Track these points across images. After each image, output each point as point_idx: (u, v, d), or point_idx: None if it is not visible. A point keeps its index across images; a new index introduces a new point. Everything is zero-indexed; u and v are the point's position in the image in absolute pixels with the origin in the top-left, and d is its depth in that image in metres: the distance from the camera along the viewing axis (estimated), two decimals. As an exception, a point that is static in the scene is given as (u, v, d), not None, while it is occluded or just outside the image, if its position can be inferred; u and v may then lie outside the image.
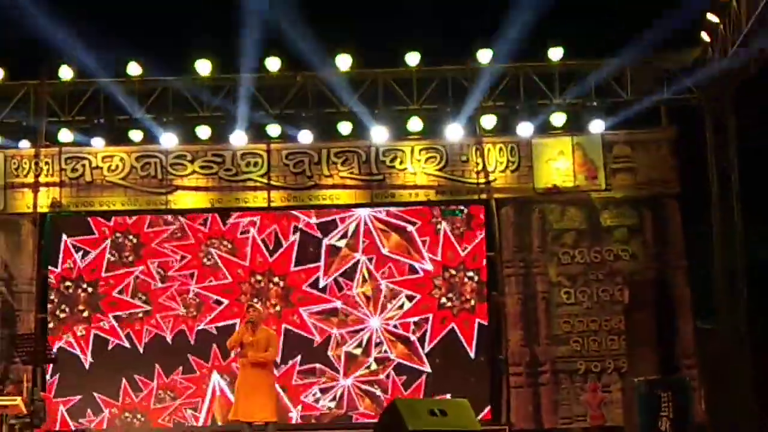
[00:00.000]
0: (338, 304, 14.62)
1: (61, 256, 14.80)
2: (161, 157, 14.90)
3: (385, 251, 14.68)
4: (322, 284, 14.67)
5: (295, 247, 14.74)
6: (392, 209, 14.77)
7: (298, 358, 14.48)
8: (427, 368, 14.38)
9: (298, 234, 14.76)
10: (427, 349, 14.45)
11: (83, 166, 14.89)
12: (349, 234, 14.75)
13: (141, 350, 14.61)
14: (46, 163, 14.85)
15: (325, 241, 14.73)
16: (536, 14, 14.21)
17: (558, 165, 14.62)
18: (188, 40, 14.63)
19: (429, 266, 14.59)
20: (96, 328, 14.61)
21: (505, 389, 14.33)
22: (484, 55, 14.56)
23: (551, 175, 14.61)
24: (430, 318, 14.52)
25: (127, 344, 14.61)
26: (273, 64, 14.74)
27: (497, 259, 14.59)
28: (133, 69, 14.76)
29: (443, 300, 14.56)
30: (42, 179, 14.76)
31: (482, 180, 14.66)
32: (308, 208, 14.81)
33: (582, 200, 14.58)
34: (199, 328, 14.60)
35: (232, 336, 12.22)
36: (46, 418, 13.44)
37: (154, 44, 14.46)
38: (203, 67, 14.76)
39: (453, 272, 14.57)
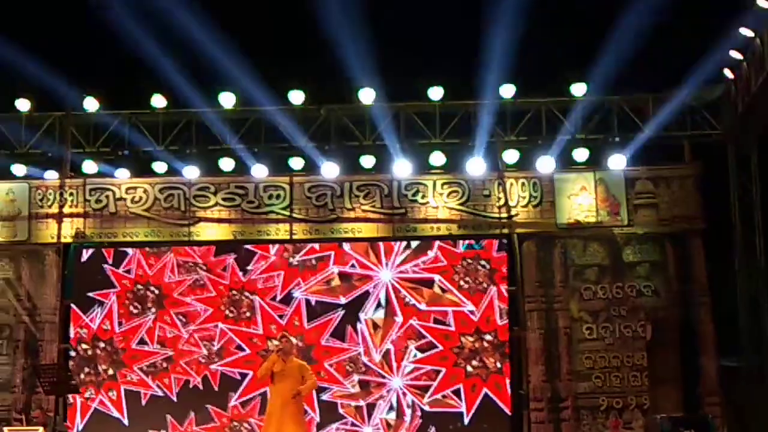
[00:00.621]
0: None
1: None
2: (184, 188, 14.97)
3: (423, 306, 14.69)
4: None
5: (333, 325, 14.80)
6: (409, 266, 14.79)
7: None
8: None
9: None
10: (467, 420, 14.45)
11: (107, 197, 14.98)
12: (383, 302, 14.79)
13: (174, 398, 14.67)
14: (71, 194, 14.95)
15: (363, 316, 14.74)
16: (560, 50, 14.35)
17: (580, 200, 14.61)
18: (214, 73, 14.71)
19: (471, 306, 14.61)
20: (125, 383, 14.66)
21: (526, 424, 14.23)
22: (507, 90, 14.63)
23: (573, 211, 14.61)
24: (461, 388, 14.50)
25: (159, 393, 14.65)
26: (297, 97, 14.81)
27: (519, 294, 14.54)
28: (158, 101, 14.87)
29: (469, 368, 14.54)
30: (66, 210, 14.83)
31: (504, 214, 14.64)
32: (330, 241, 14.83)
33: (604, 236, 14.56)
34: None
35: (263, 365, 12.24)
36: (67, 448, 13.46)
37: (182, 77, 14.55)
38: (227, 100, 14.85)
39: (470, 339, 14.53)
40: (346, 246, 14.86)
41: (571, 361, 14.34)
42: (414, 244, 14.82)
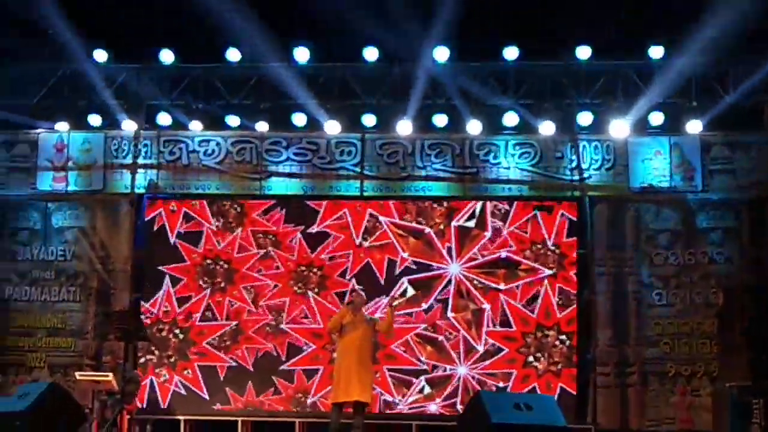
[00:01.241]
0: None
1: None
2: (256, 142, 15.03)
3: (502, 286, 14.60)
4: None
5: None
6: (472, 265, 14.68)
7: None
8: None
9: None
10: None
11: (180, 149, 15.10)
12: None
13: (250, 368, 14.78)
14: (145, 145, 15.08)
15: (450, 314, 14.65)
16: (639, 12, 14.11)
17: (654, 164, 14.42)
18: (282, 28, 14.69)
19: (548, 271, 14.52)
20: (198, 360, 14.82)
21: (592, 389, 14.16)
22: (584, 52, 14.46)
23: (647, 175, 14.42)
24: (513, 374, 14.42)
25: (234, 364, 14.77)
26: (371, 54, 14.77)
27: (589, 258, 14.43)
28: (233, 55, 14.91)
29: (530, 358, 14.43)
30: (140, 161, 15.00)
31: (576, 177, 14.50)
32: (400, 199, 14.80)
33: (678, 201, 14.36)
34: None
35: (333, 317, 12.33)
36: (136, 394, 13.62)
37: (253, 31, 14.55)
38: (301, 55, 14.84)
39: (546, 332, 14.41)
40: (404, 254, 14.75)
41: (640, 326, 14.20)
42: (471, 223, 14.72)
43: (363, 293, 13.24)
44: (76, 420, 10.86)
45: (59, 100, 15.22)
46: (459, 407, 14.08)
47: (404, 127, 14.74)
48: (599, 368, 14.17)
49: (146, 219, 15.09)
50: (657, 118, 14.52)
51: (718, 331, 13.68)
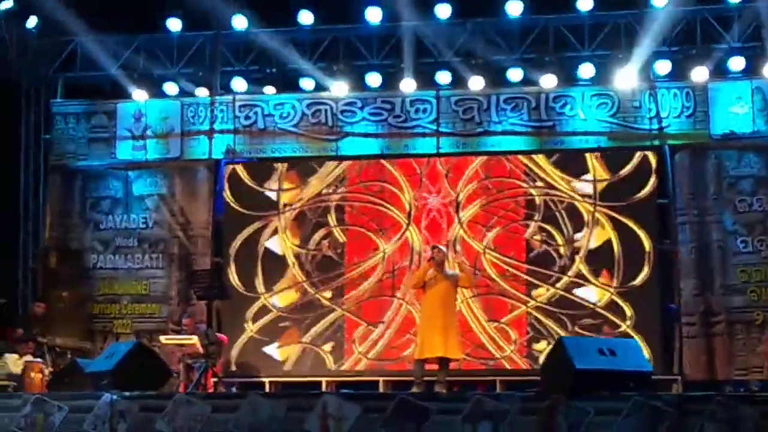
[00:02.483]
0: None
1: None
2: (331, 104, 15.05)
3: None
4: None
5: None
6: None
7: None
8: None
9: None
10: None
11: (255, 113, 15.18)
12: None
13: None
14: (221, 110, 15.18)
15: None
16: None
17: (736, 110, 14.11)
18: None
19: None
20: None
21: (677, 339, 13.98)
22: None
23: (728, 121, 14.12)
24: None
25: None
26: (443, 11, 14.68)
27: (670, 207, 14.22)
28: (305, 18, 14.92)
29: None
30: (217, 127, 15.11)
31: (655, 126, 14.27)
32: (477, 154, 14.73)
33: (761, 146, 14.02)
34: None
35: (416, 273, 12.31)
36: (220, 357, 13.76)
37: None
38: (373, 15, 14.79)
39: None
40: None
41: (725, 274, 13.94)
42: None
43: (444, 249, 13.17)
44: (162, 377, 11.00)
45: (136, 69, 15.35)
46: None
47: (476, 83, 14.63)
48: (684, 318, 13.96)
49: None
50: (737, 63, 14.21)
51: (807, 276, 13.38)
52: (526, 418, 9.02)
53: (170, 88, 15.39)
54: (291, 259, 14.95)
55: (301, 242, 14.99)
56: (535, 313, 14.42)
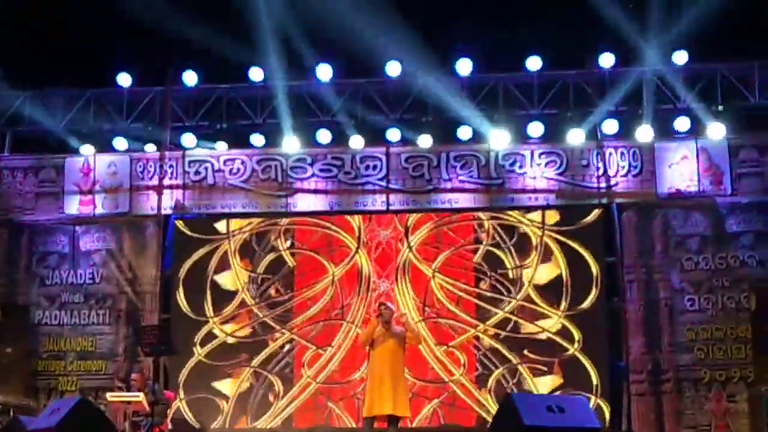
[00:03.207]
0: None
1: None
2: (281, 160, 15.05)
3: None
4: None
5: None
6: None
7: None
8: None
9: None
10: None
11: (206, 168, 15.15)
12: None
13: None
14: (170, 166, 15.14)
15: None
16: (656, 17, 14.05)
17: (682, 169, 14.30)
18: (311, 45, 14.73)
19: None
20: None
21: (626, 396, 14.01)
22: (606, 60, 14.45)
23: (674, 180, 14.30)
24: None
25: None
26: (393, 69, 14.79)
27: (618, 265, 14.32)
28: (256, 75, 14.96)
29: None
30: (166, 182, 15.06)
31: (603, 184, 14.41)
32: (427, 211, 14.77)
33: (707, 205, 14.22)
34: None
35: (364, 331, 12.28)
36: (167, 415, 13.56)
37: (279, 50, 14.61)
38: (324, 72, 14.87)
39: None
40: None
41: (673, 332, 14.03)
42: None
43: (392, 306, 13.15)
44: (107, 435, 10.81)
45: (84, 124, 15.29)
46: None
47: (426, 141, 14.74)
48: (633, 376, 14.01)
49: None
50: (683, 123, 14.41)
51: (753, 335, 13.48)
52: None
53: (119, 143, 15.31)
54: (239, 284, 14.88)
55: (250, 266, 14.93)
56: (484, 337, 14.43)
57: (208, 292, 14.91)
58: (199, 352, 14.77)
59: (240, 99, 15.20)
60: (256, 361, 14.69)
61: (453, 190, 14.76)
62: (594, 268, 14.34)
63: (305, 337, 14.71)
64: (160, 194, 15.00)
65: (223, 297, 14.91)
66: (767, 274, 13.89)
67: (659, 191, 14.34)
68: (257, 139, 15.22)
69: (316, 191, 14.98)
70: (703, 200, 14.23)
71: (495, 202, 14.73)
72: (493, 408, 13.84)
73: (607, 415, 13.89)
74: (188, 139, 15.22)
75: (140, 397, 12.98)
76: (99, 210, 15.17)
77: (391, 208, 14.83)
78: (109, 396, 13.43)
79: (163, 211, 15.03)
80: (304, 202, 15.01)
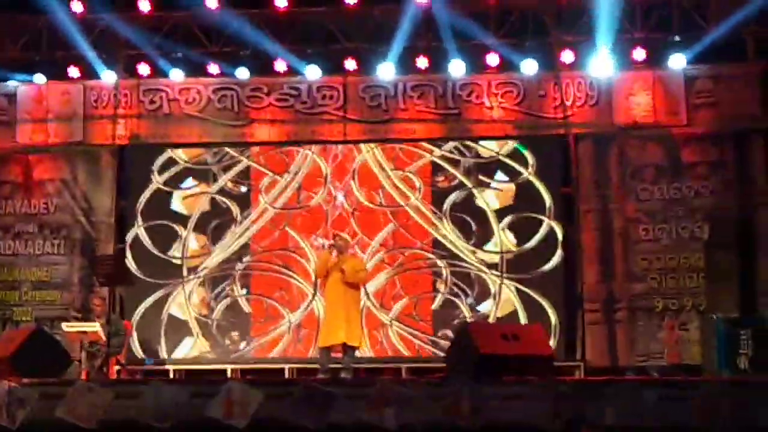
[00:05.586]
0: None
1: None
2: (237, 89, 14.91)
3: None
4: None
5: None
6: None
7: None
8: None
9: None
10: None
11: (161, 98, 14.97)
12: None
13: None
14: (125, 95, 14.95)
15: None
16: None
17: (638, 100, 14.33)
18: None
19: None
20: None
21: (580, 326, 14.16)
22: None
23: (631, 111, 14.33)
24: None
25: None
26: (350, -4, 14.63)
27: (574, 195, 14.38)
28: (211, 2, 14.74)
29: None
30: (120, 111, 14.87)
31: (560, 115, 14.42)
32: (384, 142, 14.72)
33: (662, 136, 14.28)
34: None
35: (318, 261, 12.28)
36: (124, 344, 13.54)
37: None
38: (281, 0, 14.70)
39: None
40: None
41: (627, 262, 14.17)
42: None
43: (347, 237, 13.18)
44: (62, 363, 10.80)
45: (37, 52, 15.03)
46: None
47: (384, 70, 14.62)
48: (587, 305, 14.16)
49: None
50: (640, 54, 14.41)
51: (705, 265, 13.65)
52: (431, 403, 9.04)
53: (73, 71, 15.06)
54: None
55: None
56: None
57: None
58: (158, 180, 14.90)
59: (196, 27, 14.95)
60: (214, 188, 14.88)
61: (410, 120, 14.71)
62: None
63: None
64: (115, 124, 14.83)
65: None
66: (720, 203, 14.02)
67: (616, 122, 14.37)
68: (213, 68, 15.02)
69: (272, 121, 14.86)
70: (658, 131, 14.29)
71: (452, 132, 14.69)
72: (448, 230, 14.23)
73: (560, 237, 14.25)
74: (143, 68, 14.99)
75: (96, 327, 12.95)
76: (52, 139, 14.97)
77: (348, 138, 14.76)
78: (65, 326, 13.38)
79: (117, 141, 14.87)
80: (261, 132, 14.90)
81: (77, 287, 14.71)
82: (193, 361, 14.57)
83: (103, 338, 12.72)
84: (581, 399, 8.89)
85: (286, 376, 13.98)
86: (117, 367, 13.01)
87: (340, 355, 12.21)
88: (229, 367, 14.29)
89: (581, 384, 9.60)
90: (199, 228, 14.91)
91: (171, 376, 14.18)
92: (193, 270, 14.82)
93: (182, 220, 14.94)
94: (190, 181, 15.02)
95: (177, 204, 15.00)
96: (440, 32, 14.56)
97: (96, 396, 9.28)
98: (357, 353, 12.53)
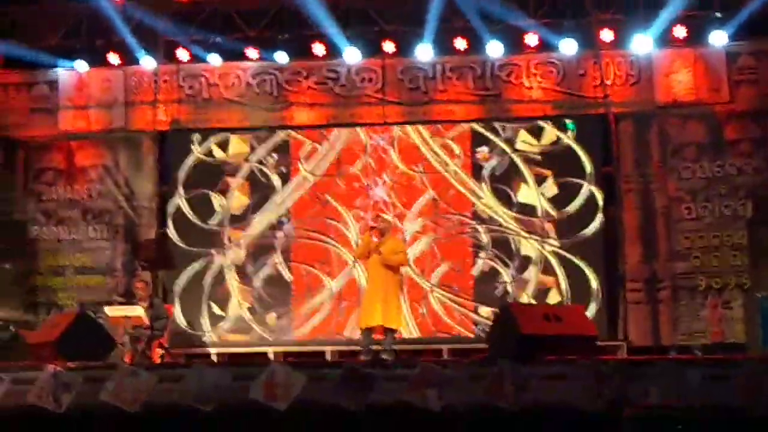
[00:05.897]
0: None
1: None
2: (276, 73, 14.93)
3: None
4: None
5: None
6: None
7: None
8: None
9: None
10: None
11: (200, 83, 15.03)
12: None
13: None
14: (165, 81, 15.02)
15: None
16: None
17: (679, 78, 14.20)
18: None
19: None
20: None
21: (622, 305, 14.09)
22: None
23: (672, 89, 14.20)
24: None
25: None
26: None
27: (615, 174, 14.29)
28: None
29: None
30: (160, 97, 14.94)
31: (600, 94, 14.32)
32: (423, 123, 14.70)
33: (704, 113, 14.14)
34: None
35: (359, 245, 12.31)
36: (166, 328, 13.61)
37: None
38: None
39: None
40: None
41: (670, 241, 14.08)
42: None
43: (389, 218, 13.19)
44: (106, 347, 10.88)
45: (77, 39, 15.12)
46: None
47: (423, 52, 14.57)
48: (629, 284, 14.09)
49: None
50: (680, 31, 14.26)
51: (748, 242, 13.49)
52: (473, 384, 9.03)
53: (113, 58, 15.14)
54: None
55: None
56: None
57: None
58: (198, 150, 15.03)
59: (234, 12, 14.97)
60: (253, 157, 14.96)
61: (449, 101, 14.67)
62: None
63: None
64: (155, 109, 14.90)
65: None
66: (764, 181, 13.88)
67: (657, 100, 14.25)
68: (252, 53, 15.03)
69: (311, 105, 14.87)
70: (700, 108, 14.16)
71: (491, 113, 14.63)
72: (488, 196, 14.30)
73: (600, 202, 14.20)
74: (182, 54, 15.04)
75: (139, 311, 13.05)
76: (94, 126, 15.08)
77: (387, 120, 14.74)
78: (108, 310, 13.48)
79: (157, 127, 14.95)
80: (300, 116, 14.91)
81: (120, 272, 14.85)
82: (233, 343, 14.64)
83: (146, 322, 12.82)
84: (624, 379, 8.82)
85: (328, 358, 14.04)
86: (160, 351, 13.10)
87: (382, 336, 12.23)
88: (271, 350, 14.35)
89: (624, 364, 9.52)
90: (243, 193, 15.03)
91: (214, 359, 14.26)
92: (233, 240, 14.88)
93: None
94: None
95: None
96: (478, 13, 14.49)
97: (139, 380, 9.34)
98: (397, 334, 12.55)
